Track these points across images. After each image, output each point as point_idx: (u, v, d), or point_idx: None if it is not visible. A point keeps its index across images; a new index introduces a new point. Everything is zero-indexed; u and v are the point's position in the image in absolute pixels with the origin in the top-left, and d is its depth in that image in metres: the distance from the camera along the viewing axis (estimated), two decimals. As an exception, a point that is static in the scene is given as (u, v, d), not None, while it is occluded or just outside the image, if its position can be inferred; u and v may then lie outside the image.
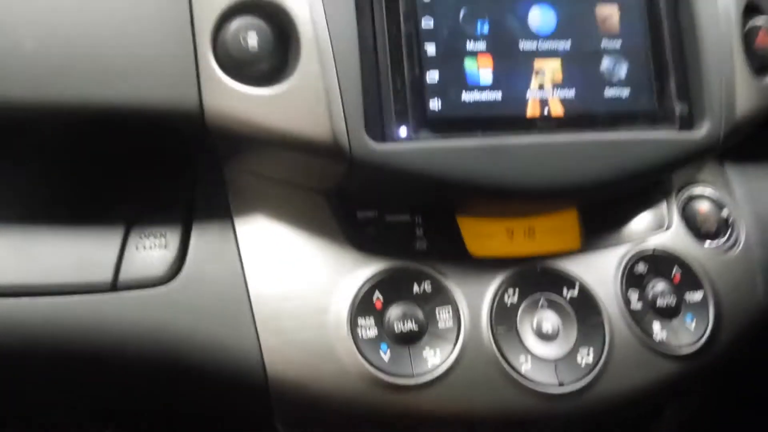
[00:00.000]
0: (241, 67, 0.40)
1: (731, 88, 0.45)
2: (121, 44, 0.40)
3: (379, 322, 0.43)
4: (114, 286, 0.44)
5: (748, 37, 0.47)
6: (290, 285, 0.44)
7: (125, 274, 0.44)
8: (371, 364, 0.42)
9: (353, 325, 0.42)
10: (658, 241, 0.49)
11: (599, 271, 0.47)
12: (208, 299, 0.44)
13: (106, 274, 0.44)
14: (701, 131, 0.45)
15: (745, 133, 0.48)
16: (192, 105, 0.40)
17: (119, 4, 0.41)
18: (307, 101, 0.39)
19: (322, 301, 0.43)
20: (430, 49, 0.42)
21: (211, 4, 0.40)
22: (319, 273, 0.44)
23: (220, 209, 0.46)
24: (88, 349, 0.44)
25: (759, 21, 0.48)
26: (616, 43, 0.45)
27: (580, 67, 0.44)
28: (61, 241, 0.45)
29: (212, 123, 0.41)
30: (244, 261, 0.45)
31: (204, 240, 0.45)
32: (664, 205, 0.51)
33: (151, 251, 0.45)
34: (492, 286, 0.45)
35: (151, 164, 0.48)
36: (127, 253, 0.45)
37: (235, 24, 0.40)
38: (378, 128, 0.41)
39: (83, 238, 0.45)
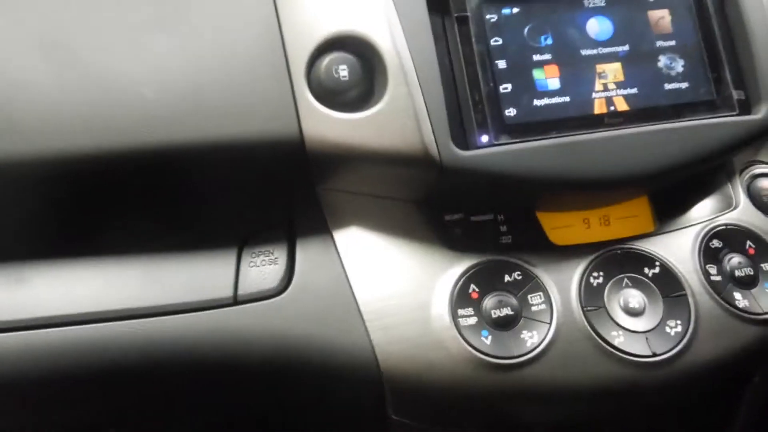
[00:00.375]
0: (334, 96, 0.46)
1: None
2: (225, 89, 0.47)
3: (478, 311, 0.47)
4: (235, 300, 0.49)
5: (794, 25, 0.51)
6: (392, 286, 0.49)
7: (243, 290, 0.50)
8: (475, 348, 0.46)
9: (454, 315, 0.47)
10: (728, 218, 0.52)
11: (676, 249, 0.51)
12: (319, 305, 0.49)
13: (227, 291, 0.49)
14: (759, 114, 0.48)
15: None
16: (293, 134, 0.46)
17: (220, 55, 0.47)
18: (399, 120, 0.45)
19: (423, 297, 0.48)
20: (501, 64, 0.47)
21: (303, 43, 0.47)
22: (416, 273, 0.49)
23: (319, 225, 0.52)
24: (216, 360, 0.49)
25: (803, 8, 0.51)
26: (671, 42, 0.49)
27: (639, 66, 0.49)
28: (182, 266, 0.51)
29: (312, 148, 0.47)
30: (346, 268, 0.50)
31: (308, 253, 0.51)
32: (729, 186, 0.54)
33: (263, 267, 0.50)
34: (578, 270, 0.49)
35: (255, 190, 0.53)
36: (242, 271, 0.50)
37: (327, 59, 0.46)
38: (462, 138, 0.46)
39: (202, 261, 0.51)
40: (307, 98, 0.46)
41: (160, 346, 0.48)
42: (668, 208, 0.52)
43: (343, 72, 0.46)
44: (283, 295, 0.49)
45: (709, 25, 0.50)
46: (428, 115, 0.45)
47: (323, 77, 0.46)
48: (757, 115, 0.48)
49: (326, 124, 0.46)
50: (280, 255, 0.51)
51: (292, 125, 0.47)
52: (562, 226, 0.51)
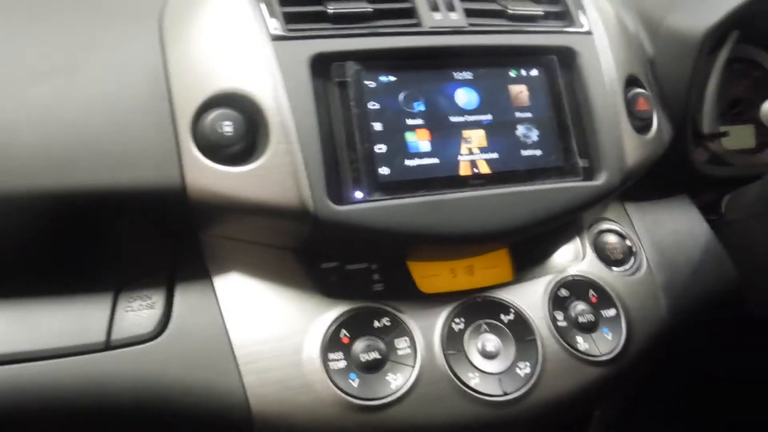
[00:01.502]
0: (218, 150, 0.48)
1: (620, 145, 0.56)
2: (110, 137, 0.48)
3: (347, 355, 0.51)
4: (107, 345, 0.49)
5: (631, 104, 0.59)
6: (267, 330, 0.51)
7: (117, 334, 0.50)
8: (342, 391, 0.49)
9: (325, 359, 0.50)
10: (576, 269, 0.59)
11: (530, 297, 0.56)
12: (194, 349, 0.50)
13: (99, 336, 0.50)
14: (600, 180, 0.55)
15: (636, 178, 0.59)
16: (175, 184, 0.48)
17: (106, 103, 0.49)
18: (278, 175, 0.48)
19: (296, 341, 0.51)
20: (377, 126, 0.52)
21: (190, 98, 0.49)
22: (291, 318, 0.52)
23: (199, 270, 0.53)
24: (87, 406, 0.49)
25: (638, 90, 0.60)
26: (528, 114, 0.55)
27: (500, 134, 0.55)
28: (56, 310, 0.50)
29: (194, 198, 0.49)
30: (224, 313, 0.52)
31: (186, 298, 0.52)
32: (578, 240, 0.61)
33: (140, 312, 0.51)
34: (442, 316, 0.54)
35: (137, 236, 0.54)
36: (117, 316, 0.51)
37: (213, 115, 0.48)
38: (338, 193, 0.50)
39: (76, 305, 0.51)
40: (191, 150, 0.48)
41: (27, 391, 0.48)
42: (525, 260, 0.58)
43: (228, 127, 0.48)
44: (157, 340, 0.50)
45: (560, 101, 0.56)
46: (306, 171, 0.48)
47: (208, 131, 0.48)
48: (598, 181, 0.55)
49: (209, 176, 0.48)
50: (157, 300, 0.52)
51: (175, 176, 0.48)
52: (431, 275, 0.56)
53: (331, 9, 0.52)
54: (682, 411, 0.80)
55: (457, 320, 0.53)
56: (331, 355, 0.50)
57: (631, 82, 0.60)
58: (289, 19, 0.51)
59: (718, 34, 0.62)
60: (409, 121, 0.53)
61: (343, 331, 0.51)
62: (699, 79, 0.65)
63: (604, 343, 0.56)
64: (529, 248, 0.58)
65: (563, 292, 0.57)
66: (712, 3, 0.62)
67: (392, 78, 0.53)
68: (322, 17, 0.53)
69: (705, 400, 0.82)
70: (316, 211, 0.48)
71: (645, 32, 0.66)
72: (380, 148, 0.51)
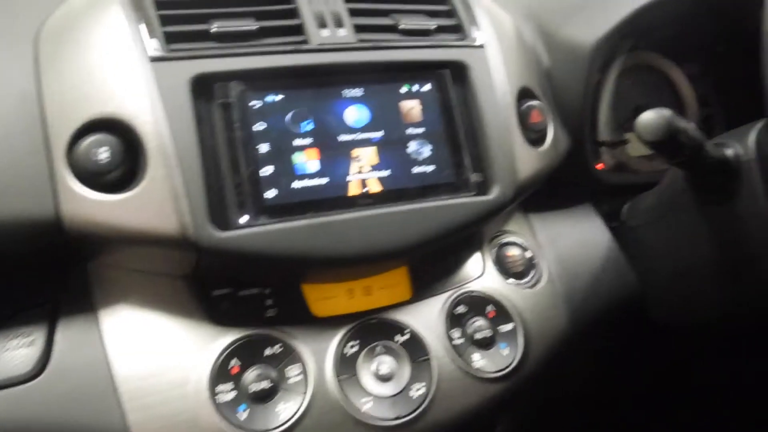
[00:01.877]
0: (94, 177, 0.46)
1: (513, 158, 0.56)
2: None
3: (237, 385, 0.49)
4: None
5: (524, 116, 0.59)
6: (153, 363, 0.49)
7: None
8: (231, 423, 0.48)
9: (213, 391, 0.48)
10: (475, 285, 0.59)
11: (427, 316, 0.56)
12: (75, 389, 0.48)
13: None
14: (493, 194, 0.55)
15: (531, 191, 0.59)
16: (50, 215, 0.46)
17: None
18: (156, 202, 0.46)
19: (183, 374, 0.49)
20: (264, 147, 0.50)
21: (65, 124, 0.47)
22: (178, 350, 0.50)
23: (85, 302, 0.51)
24: None
25: (532, 102, 0.60)
26: (420, 130, 0.55)
27: (392, 151, 0.54)
28: None
29: (71, 229, 0.46)
30: (107, 347, 0.49)
31: (69, 334, 0.50)
32: (479, 255, 0.61)
33: (17, 351, 0.48)
34: (334, 340, 0.53)
35: (14, 270, 0.50)
36: None
37: (88, 141, 0.46)
38: (223, 218, 0.48)
39: None
40: (66, 179, 0.46)
41: None
42: (425, 278, 0.58)
43: (104, 154, 0.46)
44: (36, 380, 0.47)
45: (453, 115, 0.56)
46: (186, 197, 0.46)
47: (83, 158, 0.46)
48: (490, 196, 0.55)
49: (86, 206, 0.46)
50: (38, 336, 0.49)
51: (49, 206, 0.46)
52: (326, 298, 0.54)
53: (214, 28, 0.51)
54: (588, 421, 0.82)
55: (350, 343, 0.53)
56: (220, 387, 0.49)
57: (524, 94, 0.60)
58: (171, 39, 0.49)
59: (610, 44, 0.63)
60: (297, 142, 0.51)
61: (234, 361, 0.50)
62: (595, 89, 0.66)
63: (501, 359, 0.56)
64: (428, 265, 0.58)
65: (461, 309, 0.57)
66: (602, 14, 0.62)
67: (279, 97, 0.52)
68: (205, 36, 0.51)
69: (610, 409, 0.84)
70: (198, 238, 0.46)
71: (541, 44, 0.66)
72: (266, 170, 0.50)
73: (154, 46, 0.48)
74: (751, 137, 0.54)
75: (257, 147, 0.50)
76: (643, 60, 0.75)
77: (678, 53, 0.75)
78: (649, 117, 0.49)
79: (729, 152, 0.54)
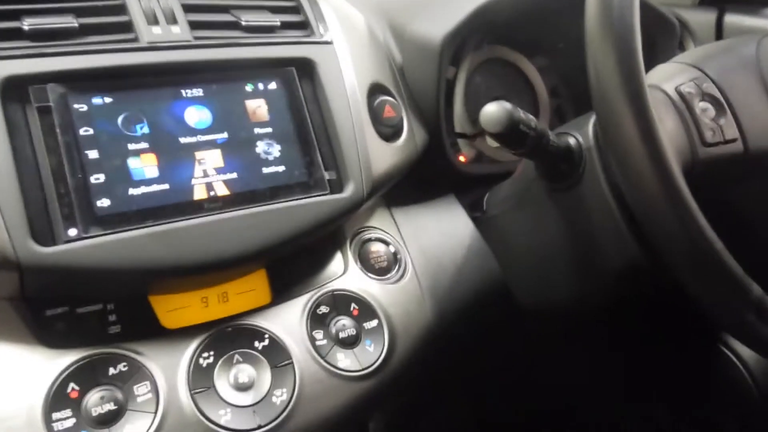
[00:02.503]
0: None
1: (366, 154, 0.56)
2: None
3: (77, 411, 0.45)
4: None
5: (377, 112, 0.59)
6: None
7: None
8: None
9: (48, 420, 0.44)
10: (337, 284, 0.58)
11: (288, 319, 0.54)
12: None
13: None
14: (347, 192, 0.55)
15: (387, 186, 0.59)
16: None
17: None
18: None
19: (11, 406, 0.44)
20: (93, 154, 0.47)
21: None
22: (6, 379, 0.45)
23: None
24: None
25: (384, 98, 0.60)
26: (268, 129, 0.53)
27: (239, 152, 0.52)
28: None
29: None
30: None
31: None
32: (341, 253, 0.60)
33: None
34: (187, 352, 0.50)
35: None
36: None
37: None
38: (48, 233, 0.44)
39: None
40: None
41: None
42: (284, 280, 0.56)
43: None
44: None
45: (302, 113, 0.55)
46: (0, 211, 0.42)
47: None
48: (345, 194, 0.55)
49: None
50: None
51: None
52: (179, 308, 0.51)
53: (27, 25, 0.47)
54: (462, 412, 0.84)
55: (205, 354, 0.50)
56: (56, 414, 0.44)
57: (376, 90, 0.60)
58: None
59: (459, 38, 0.64)
60: (132, 146, 0.48)
61: (72, 385, 0.46)
62: (450, 83, 0.67)
63: (366, 356, 0.55)
64: (287, 267, 0.56)
65: (323, 309, 0.56)
66: (449, 10, 0.64)
67: (108, 100, 0.48)
68: (17, 35, 0.47)
69: (483, 399, 0.87)
70: (17, 256, 0.42)
71: (393, 40, 0.67)
72: (97, 177, 0.47)
73: None
74: (589, 127, 0.57)
75: (85, 153, 0.46)
76: (497, 54, 0.77)
77: (527, 47, 0.79)
78: (490, 110, 0.51)
79: (571, 141, 0.57)
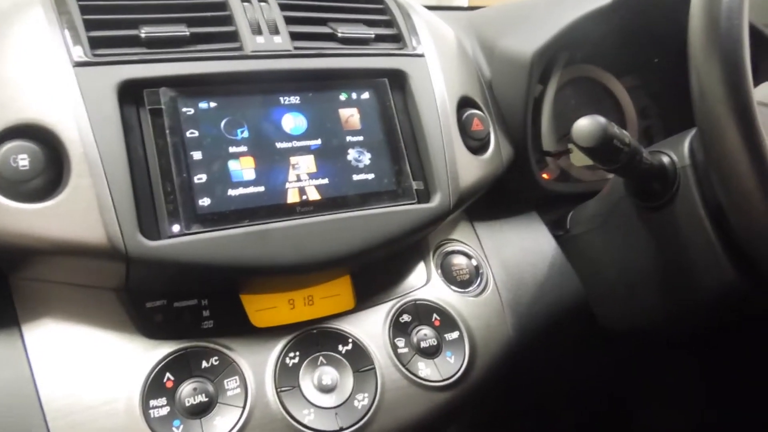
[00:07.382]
0: (13, 186, 0.44)
1: (454, 166, 0.56)
2: None
3: (171, 400, 0.47)
4: None
5: (465, 125, 0.59)
6: (82, 381, 0.47)
7: None
8: None
9: (145, 407, 0.46)
10: (420, 294, 0.58)
11: (370, 325, 0.55)
12: None
13: None
14: (434, 202, 0.55)
15: (473, 198, 0.59)
16: None
17: None
18: (80, 211, 0.44)
19: (114, 390, 0.47)
20: (197, 155, 0.49)
21: None
22: (108, 365, 0.48)
23: (7, 318, 0.48)
24: None
25: (473, 111, 0.60)
26: (359, 138, 0.55)
27: (330, 159, 0.53)
28: None
29: None
30: (33, 364, 0.47)
31: None
32: (424, 263, 0.60)
33: None
34: (275, 351, 0.51)
35: None
36: None
37: (5, 148, 0.44)
38: (154, 228, 0.47)
39: None
40: None
41: None
42: (368, 287, 0.57)
43: (23, 161, 0.44)
44: None
45: (393, 123, 0.56)
46: (114, 205, 0.45)
47: (0, 167, 0.44)
48: (432, 204, 0.55)
49: (4, 216, 0.44)
50: None
51: None
52: (267, 308, 0.53)
53: (144, 33, 0.50)
54: (537, 429, 0.81)
55: (291, 354, 0.51)
56: (153, 402, 0.47)
57: (465, 103, 0.61)
58: (96, 44, 0.49)
59: (547, 56, 0.64)
60: (232, 149, 0.51)
61: (168, 375, 0.48)
62: (537, 100, 0.67)
63: (447, 367, 0.55)
64: (371, 274, 0.57)
65: (405, 318, 0.56)
66: (540, 27, 0.64)
67: (213, 104, 0.51)
68: (134, 42, 0.50)
69: (558, 418, 0.84)
70: (126, 248, 0.45)
71: (482, 55, 0.67)
72: (200, 177, 0.49)
73: (78, 52, 0.47)
74: (685, 145, 0.55)
75: (190, 154, 0.49)
76: (584, 72, 0.77)
77: (616, 66, 0.78)
78: (584, 123, 0.50)
79: (665, 159, 0.56)
